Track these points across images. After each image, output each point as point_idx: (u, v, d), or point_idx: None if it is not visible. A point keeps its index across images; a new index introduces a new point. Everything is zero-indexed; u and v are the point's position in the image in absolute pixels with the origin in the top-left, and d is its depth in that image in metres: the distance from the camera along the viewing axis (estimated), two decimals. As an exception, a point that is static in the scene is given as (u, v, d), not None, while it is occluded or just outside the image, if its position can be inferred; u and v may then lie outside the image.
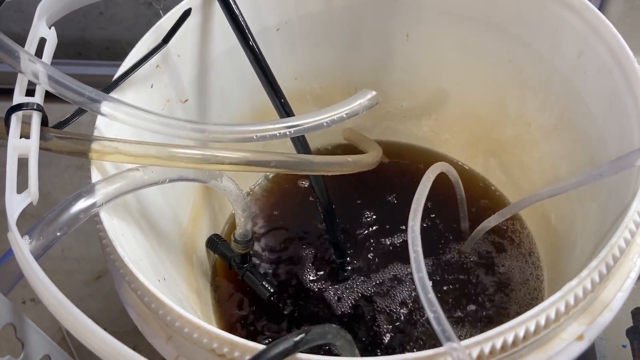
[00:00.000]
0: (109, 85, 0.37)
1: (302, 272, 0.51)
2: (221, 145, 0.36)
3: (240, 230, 0.46)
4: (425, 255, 0.50)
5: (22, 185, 0.29)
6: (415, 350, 0.43)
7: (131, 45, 0.40)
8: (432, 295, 0.27)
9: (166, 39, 0.40)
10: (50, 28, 0.36)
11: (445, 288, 0.48)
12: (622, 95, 0.35)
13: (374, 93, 0.40)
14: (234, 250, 0.48)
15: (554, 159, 0.47)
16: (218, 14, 0.43)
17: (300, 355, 0.25)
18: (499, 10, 0.44)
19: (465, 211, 0.51)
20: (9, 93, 0.31)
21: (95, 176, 0.33)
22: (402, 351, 0.41)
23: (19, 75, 0.32)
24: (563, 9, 0.40)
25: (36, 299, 0.64)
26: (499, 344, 0.25)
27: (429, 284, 0.28)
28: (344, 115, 0.38)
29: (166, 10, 0.42)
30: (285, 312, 0.48)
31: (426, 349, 0.26)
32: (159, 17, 0.42)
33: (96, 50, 0.84)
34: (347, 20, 0.50)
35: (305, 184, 0.57)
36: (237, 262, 0.49)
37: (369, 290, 0.49)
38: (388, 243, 0.52)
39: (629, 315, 0.47)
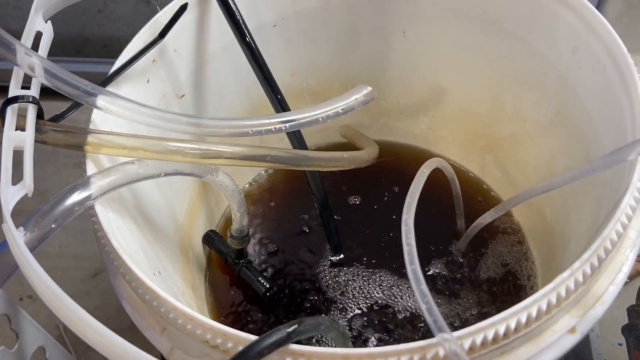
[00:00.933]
0: (105, 80, 0.37)
1: (297, 267, 0.51)
2: (217, 139, 0.36)
3: (236, 225, 0.46)
4: (421, 253, 0.51)
5: (18, 180, 0.30)
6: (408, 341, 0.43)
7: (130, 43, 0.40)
8: (424, 286, 0.27)
9: (162, 34, 0.40)
10: (46, 22, 0.36)
11: (440, 284, 0.48)
12: (616, 91, 0.35)
13: (369, 89, 0.40)
14: (230, 245, 0.48)
15: (549, 155, 0.47)
16: (215, 9, 0.43)
17: (293, 346, 0.26)
18: (495, 7, 0.45)
19: (461, 208, 0.51)
20: (5, 90, 0.31)
21: (90, 169, 0.33)
22: (396, 343, 0.41)
23: (15, 68, 0.32)
24: (558, 5, 0.40)
25: (33, 296, 0.64)
26: (490, 335, 0.25)
27: (422, 275, 0.28)
28: (340, 111, 0.39)
29: (164, 6, 0.43)
30: (281, 307, 0.48)
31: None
32: (157, 14, 0.42)
33: (95, 48, 0.84)
34: (344, 17, 0.51)
35: (302, 179, 0.57)
36: (233, 257, 0.49)
37: (363, 284, 0.49)
38: (384, 238, 0.52)
39: (625, 312, 0.47)
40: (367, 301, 0.48)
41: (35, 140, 0.31)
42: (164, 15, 0.41)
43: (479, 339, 0.25)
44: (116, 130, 0.36)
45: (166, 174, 0.35)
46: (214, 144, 0.35)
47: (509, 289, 0.48)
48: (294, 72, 0.54)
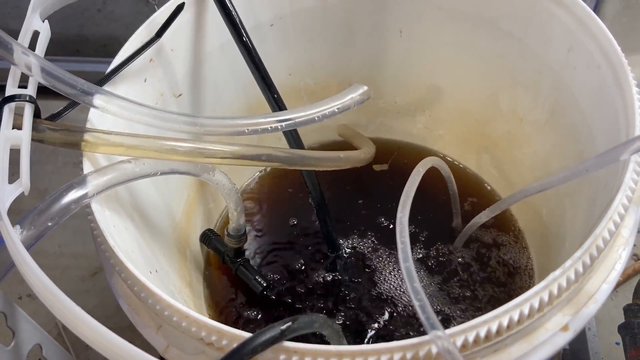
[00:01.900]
0: (101, 79, 0.37)
1: (294, 265, 0.51)
2: (214, 138, 0.36)
3: (234, 224, 0.46)
4: (418, 251, 0.51)
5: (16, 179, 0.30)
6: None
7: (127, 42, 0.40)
8: (417, 284, 0.27)
9: (159, 33, 0.40)
10: (44, 21, 0.36)
11: (437, 284, 0.49)
12: (610, 90, 0.35)
13: (365, 88, 0.40)
14: (228, 244, 0.48)
15: (545, 154, 0.47)
16: (212, 8, 0.43)
17: (287, 343, 0.26)
18: (491, 6, 0.45)
19: (457, 207, 0.51)
20: (2, 89, 0.32)
21: (87, 168, 0.34)
22: (390, 341, 0.41)
23: (12, 67, 0.32)
24: (553, 5, 0.40)
25: (32, 295, 0.64)
26: (483, 332, 0.25)
27: (415, 273, 0.28)
28: (336, 110, 0.39)
29: (162, 6, 0.43)
30: (278, 305, 0.49)
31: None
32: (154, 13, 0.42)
33: (94, 48, 0.85)
34: (340, 16, 0.51)
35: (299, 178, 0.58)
36: (230, 256, 0.49)
37: (360, 282, 0.49)
38: (380, 237, 0.52)
39: (621, 312, 0.47)
40: (364, 298, 0.48)
41: (32, 139, 0.31)
42: (161, 15, 0.41)
43: (471, 337, 0.25)
44: (113, 129, 0.36)
45: (162, 173, 0.35)
46: (210, 142, 0.35)
47: (506, 287, 0.48)
48: (291, 72, 0.54)
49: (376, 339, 0.45)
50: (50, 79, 0.31)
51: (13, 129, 0.30)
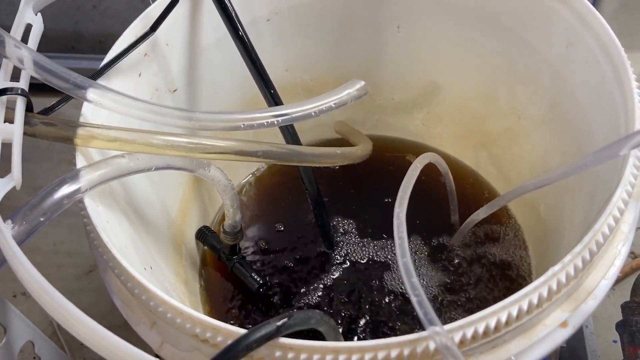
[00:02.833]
0: (95, 73, 0.37)
1: (291, 262, 0.51)
2: (210, 134, 0.36)
3: (229, 221, 0.46)
4: (416, 248, 0.50)
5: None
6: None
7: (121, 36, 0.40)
8: (415, 279, 0.27)
9: (154, 27, 0.40)
10: (36, 14, 0.35)
11: (435, 280, 0.48)
12: (610, 86, 0.35)
13: (362, 83, 0.40)
14: (224, 241, 0.48)
15: (543, 150, 0.47)
16: (208, 3, 0.42)
17: (282, 339, 0.25)
18: (491, 1, 0.45)
19: (455, 204, 0.51)
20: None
21: (80, 162, 0.33)
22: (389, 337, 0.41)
23: (4, 60, 0.31)
24: (553, 1, 0.40)
25: (27, 293, 0.63)
26: (481, 328, 0.25)
27: (413, 268, 0.28)
28: (333, 105, 0.38)
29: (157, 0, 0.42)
30: (274, 302, 0.48)
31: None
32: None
33: (90, 44, 0.84)
34: (337, 12, 0.50)
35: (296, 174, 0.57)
36: (226, 253, 0.49)
37: (357, 279, 0.49)
38: (378, 233, 0.52)
39: (619, 310, 0.47)
40: (361, 294, 0.48)
41: (25, 133, 0.31)
42: (155, 9, 0.41)
43: (469, 333, 0.25)
44: (107, 123, 0.36)
45: (157, 168, 0.35)
46: (206, 137, 0.35)
47: (505, 284, 0.48)
48: (288, 67, 0.54)
49: (374, 334, 0.45)
50: (43, 72, 0.31)
51: (5, 122, 0.30)
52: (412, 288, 0.27)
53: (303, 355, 0.25)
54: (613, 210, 0.28)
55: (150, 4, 0.42)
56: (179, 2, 0.42)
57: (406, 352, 0.25)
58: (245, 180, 0.58)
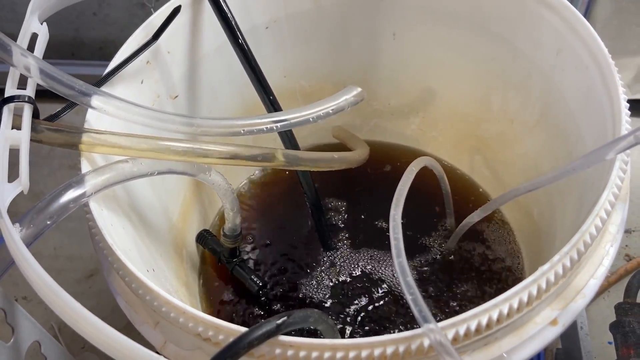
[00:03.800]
0: (99, 80, 0.38)
1: (290, 265, 0.52)
2: (210, 139, 0.37)
3: (229, 224, 0.47)
4: (411, 252, 0.51)
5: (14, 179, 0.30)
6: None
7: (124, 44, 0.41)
8: (410, 278, 0.28)
9: (156, 36, 0.41)
10: (42, 24, 0.36)
11: (430, 283, 0.49)
12: (598, 91, 0.36)
13: (359, 89, 0.41)
14: (224, 244, 0.49)
15: (535, 154, 0.48)
16: (208, 11, 0.43)
17: (282, 337, 0.26)
18: (482, 9, 0.46)
19: (451, 207, 0.52)
20: (1, 91, 0.32)
21: (85, 167, 0.34)
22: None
23: (11, 69, 0.32)
24: (542, 8, 0.41)
25: (28, 297, 0.64)
26: (473, 325, 0.26)
27: (408, 268, 0.29)
28: (330, 111, 0.39)
29: (158, 9, 0.43)
30: (274, 304, 0.49)
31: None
32: (150, 16, 0.43)
33: (90, 51, 0.85)
34: (335, 19, 0.51)
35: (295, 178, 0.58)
36: (226, 256, 0.49)
37: (355, 281, 0.50)
38: (375, 236, 0.53)
39: (614, 312, 0.48)
40: (359, 295, 0.49)
41: (31, 139, 0.32)
42: (157, 18, 0.42)
43: (462, 330, 0.26)
44: (111, 129, 0.37)
45: (159, 173, 0.36)
46: (206, 143, 0.36)
47: (498, 286, 0.49)
48: (287, 74, 0.55)
49: (372, 333, 0.46)
50: (49, 80, 0.32)
51: (12, 129, 0.31)
52: (407, 287, 0.28)
53: (302, 353, 0.26)
54: (600, 212, 0.29)
55: (150, 10, 0.43)
56: (181, 11, 0.43)
57: (401, 349, 0.26)
58: (244, 183, 0.59)
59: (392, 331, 0.45)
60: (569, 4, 0.39)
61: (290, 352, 0.26)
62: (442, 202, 0.51)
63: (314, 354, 0.26)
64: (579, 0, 0.68)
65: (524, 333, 0.28)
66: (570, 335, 0.54)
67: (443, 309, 0.47)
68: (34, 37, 0.35)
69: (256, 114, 0.37)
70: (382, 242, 0.52)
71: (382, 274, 0.50)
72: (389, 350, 0.26)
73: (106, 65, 0.39)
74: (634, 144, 0.27)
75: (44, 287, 0.25)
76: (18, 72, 0.32)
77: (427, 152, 0.60)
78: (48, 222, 0.30)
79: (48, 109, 0.36)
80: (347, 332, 0.46)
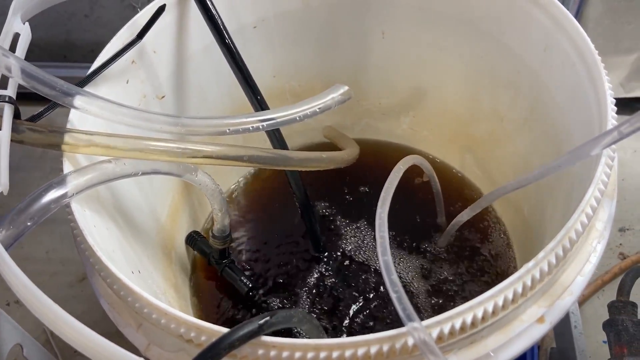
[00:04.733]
0: (82, 80, 0.38)
1: (280, 265, 0.52)
2: (197, 139, 0.36)
3: (218, 225, 0.46)
4: (403, 250, 0.51)
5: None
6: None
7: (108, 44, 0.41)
8: (395, 276, 0.27)
9: (141, 35, 0.41)
10: (24, 24, 0.36)
11: (421, 282, 0.49)
12: (585, 88, 0.36)
13: (346, 88, 0.40)
14: (213, 246, 0.48)
15: (525, 151, 0.48)
16: (194, 10, 0.43)
17: (265, 337, 0.26)
18: (470, 7, 0.46)
19: (441, 205, 0.52)
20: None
21: (67, 168, 0.34)
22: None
23: (-8, 69, 0.32)
24: (530, 5, 0.41)
25: (20, 301, 0.64)
26: (458, 324, 0.26)
27: (393, 266, 0.28)
28: (317, 110, 0.39)
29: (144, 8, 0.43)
30: (264, 305, 0.49)
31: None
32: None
33: (82, 53, 0.85)
34: (323, 19, 0.51)
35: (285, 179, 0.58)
36: (215, 257, 0.49)
37: (344, 281, 0.50)
38: (364, 236, 0.53)
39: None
40: (349, 295, 0.48)
41: (12, 140, 0.32)
42: (142, 17, 0.42)
43: (446, 328, 0.26)
44: (94, 130, 0.37)
45: (144, 173, 0.35)
46: (191, 143, 0.36)
47: (490, 284, 0.49)
48: (276, 73, 0.54)
49: (361, 333, 0.46)
50: (30, 80, 0.31)
51: (-8, 129, 0.31)
52: (392, 285, 0.28)
53: (285, 353, 0.25)
54: (586, 208, 0.29)
55: (140, 11, 0.43)
56: (166, 10, 0.43)
57: (385, 348, 0.25)
58: (234, 184, 0.59)
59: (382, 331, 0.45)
60: (556, 1, 0.39)
61: (273, 353, 0.26)
62: (433, 200, 0.51)
63: (297, 354, 0.25)
64: (570, 0, 0.68)
65: (510, 331, 0.28)
66: (564, 334, 0.54)
67: (434, 308, 0.47)
68: (16, 37, 0.35)
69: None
70: (372, 242, 0.52)
71: (372, 273, 0.50)
72: (373, 349, 0.25)
73: (99, 67, 0.39)
74: (617, 139, 0.26)
75: (22, 289, 0.25)
76: (-1, 72, 0.32)
77: (419, 151, 0.60)
78: (29, 224, 0.29)
79: (32, 111, 0.35)
80: (338, 333, 0.46)
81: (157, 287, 0.41)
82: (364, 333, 0.45)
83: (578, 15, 0.70)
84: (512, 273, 0.48)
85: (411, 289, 0.48)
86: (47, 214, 0.30)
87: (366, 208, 0.55)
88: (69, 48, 0.84)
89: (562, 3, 0.70)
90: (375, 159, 0.59)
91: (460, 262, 0.50)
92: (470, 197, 0.56)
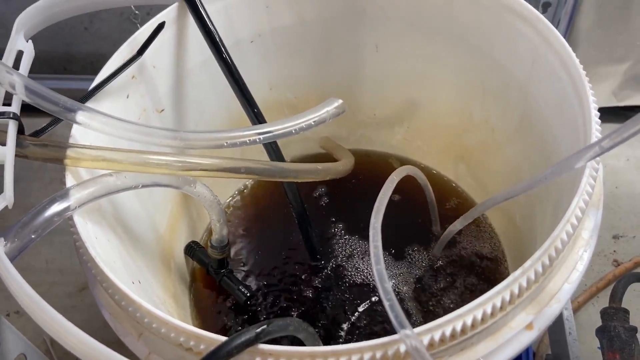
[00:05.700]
0: (84, 96, 0.39)
1: (278, 274, 0.52)
2: (196, 152, 0.37)
3: (217, 236, 0.47)
4: (398, 259, 0.52)
5: None
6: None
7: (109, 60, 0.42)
8: (387, 285, 0.28)
9: (141, 51, 0.42)
10: (27, 41, 0.37)
11: (416, 290, 0.50)
12: (571, 100, 0.37)
13: (340, 101, 0.41)
14: (211, 255, 0.49)
15: (515, 162, 0.49)
16: (192, 26, 0.44)
17: (262, 345, 0.27)
18: (460, 22, 0.47)
19: (436, 214, 0.53)
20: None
21: (69, 181, 0.35)
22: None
23: (-3, 86, 0.33)
24: (517, 20, 0.42)
25: (20, 312, 0.64)
26: (448, 331, 0.27)
27: (386, 274, 0.29)
28: (312, 123, 0.40)
29: (144, 24, 0.44)
30: (263, 314, 0.49)
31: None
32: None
33: (81, 65, 0.86)
34: (318, 33, 0.52)
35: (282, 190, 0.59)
36: (214, 267, 0.50)
37: (341, 290, 0.50)
38: (361, 245, 0.54)
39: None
40: (346, 304, 0.49)
41: (16, 155, 0.32)
42: (142, 34, 0.43)
43: (437, 335, 0.27)
44: (96, 144, 0.37)
45: (144, 186, 0.36)
46: (190, 156, 0.37)
47: (483, 292, 0.49)
48: (272, 86, 0.56)
49: (356, 339, 0.46)
50: (34, 97, 0.32)
51: (-3, 145, 0.32)
52: (385, 293, 0.28)
53: (281, 360, 0.26)
54: (571, 218, 0.30)
55: (137, 26, 0.44)
56: (165, 26, 0.44)
57: (378, 355, 0.26)
58: (232, 195, 0.60)
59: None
60: (542, 16, 0.41)
61: (269, 360, 0.26)
62: (428, 209, 0.52)
63: (293, 362, 0.26)
64: (562, 10, 0.70)
65: (499, 338, 0.29)
66: (559, 341, 0.55)
67: (428, 316, 0.48)
68: (19, 55, 0.36)
69: (243, 126, 0.38)
70: (367, 251, 0.53)
71: (368, 281, 0.51)
72: (366, 356, 0.26)
73: (98, 80, 0.40)
74: (599, 153, 0.27)
75: (27, 300, 0.26)
76: (3, 89, 0.33)
77: (413, 161, 0.61)
78: (33, 236, 0.30)
79: (36, 123, 0.36)
80: (335, 340, 0.47)
81: (156, 297, 0.42)
82: (360, 341, 0.46)
83: (570, 25, 0.71)
84: (504, 277, 0.50)
85: (404, 296, 0.49)
86: (51, 226, 0.31)
87: (361, 217, 0.56)
88: (69, 60, 0.85)
89: (554, 13, 0.72)
90: (369, 169, 0.60)
91: (454, 270, 0.51)
92: (464, 206, 0.57)
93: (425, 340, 0.26)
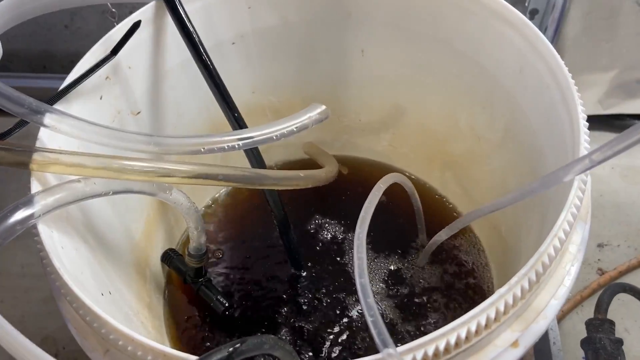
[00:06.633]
0: (53, 97, 0.37)
1: (257, 284, 0.51)
2: (173, 158, 0.36)
3: (194, 244, 0.46)
4: (382, 269, 0.51)
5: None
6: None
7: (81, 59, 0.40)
8: (371, 299, 0.27)
9: (115, 51, 0.40)
10: (-6, 39, 0.35)
11: (398, 301, 0.49)
12: (559, 110, 0.36)
13: (323, 107, 0.40)
14: (189, 264, 0.48)
15: (502, 171, 0.48)
16: (171, 26, 0.43)
17: (234, 366, 0.25)
18: (446, 27, 0.46)
19: (422, 223, 0.51)
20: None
21: (35, 188, 0.33)
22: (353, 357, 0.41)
23: (-43, 86, 0.31)
24: (505, 27, 0.41)
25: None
26: (431, 350, 0.25)
27: (370, 289, 0.28)
28: (294, 129, 0.39)
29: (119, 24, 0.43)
30: (241, 325, 0.48)
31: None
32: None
33: (61, 64, 0.84)
34: (302, 35, 0.51)
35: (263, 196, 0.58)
36: (192, 276, 0.48)
37: (323, 300, 0.49)
38: (344, 255, 0.52)
39: (586, 327, 0.48)
40: (328, 317, 0.48)
41: (-23, 158, 0.31)
42: (117, 32, 0.41)
43: (419, 355, 0.25)
44: (65, 148, 0.36)
45: (115, 192, 0.34)
46: (165, 162, 0.35)
47: (468, 304, 0.49)
48: (255, 90, 0.54)
49: (338, 355, 0.45)
50: (-3, 97, 0.31)
51: (-44, 148, 0.30)
52: (368, 308, 0.27)
53: (255, 381, 0.25)
54: (558, 232, 0.29)
55: (114, 25, 0.42)
56: (142, 25, 0.42)
57: (358, 375, 0.25)
58: (211, 202, 0.58)
59: (361, 355, 0.45)
60: (530, 23, 0.40)
61: (242, 381, 0.25)
62: (414, 218, 0.51)
63: (267, 383, 0.25)
64: (549, 18, 0.70)
65: (484, 356, 0.28)
66: (542, 351, 0.54)
67: (410, 330, 0.47)
68: (-15, 53, 0.34)
69: (225, 131, 0.37)
70: (352, 261, 0.52)
71: (351, 293, 0.50)
72: (346, 377, 0.25)
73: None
74: (589, 167, 0.27)
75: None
76: (-35, 89, 0.31)
77: (398, 169, 0.60)
78: (-8, 245, 0.28)
79: (2, 124, 0.34)
80: (316, 356, 0.45)
81: (129, 309, 0.40)
82: (342, 356, 0.45)
83: (556, 33, 0.71)
84: (489, 292, 0.49)
85: (388, 310, 0.48)
86: (12, 235, 0.29)
87: (346, 225, 0.55)
88: (48, 59, 0.83)
89: (541, 21, 0.71)
90: (355, 176, 0.59)
91: (439, 281, 0.50)
92: (450, 215, 0.56)
93: (408, 359, 0.25)
